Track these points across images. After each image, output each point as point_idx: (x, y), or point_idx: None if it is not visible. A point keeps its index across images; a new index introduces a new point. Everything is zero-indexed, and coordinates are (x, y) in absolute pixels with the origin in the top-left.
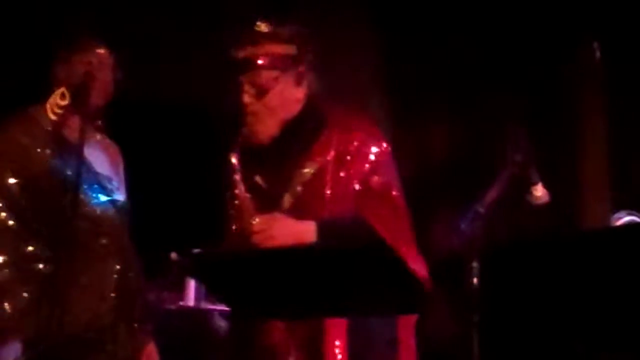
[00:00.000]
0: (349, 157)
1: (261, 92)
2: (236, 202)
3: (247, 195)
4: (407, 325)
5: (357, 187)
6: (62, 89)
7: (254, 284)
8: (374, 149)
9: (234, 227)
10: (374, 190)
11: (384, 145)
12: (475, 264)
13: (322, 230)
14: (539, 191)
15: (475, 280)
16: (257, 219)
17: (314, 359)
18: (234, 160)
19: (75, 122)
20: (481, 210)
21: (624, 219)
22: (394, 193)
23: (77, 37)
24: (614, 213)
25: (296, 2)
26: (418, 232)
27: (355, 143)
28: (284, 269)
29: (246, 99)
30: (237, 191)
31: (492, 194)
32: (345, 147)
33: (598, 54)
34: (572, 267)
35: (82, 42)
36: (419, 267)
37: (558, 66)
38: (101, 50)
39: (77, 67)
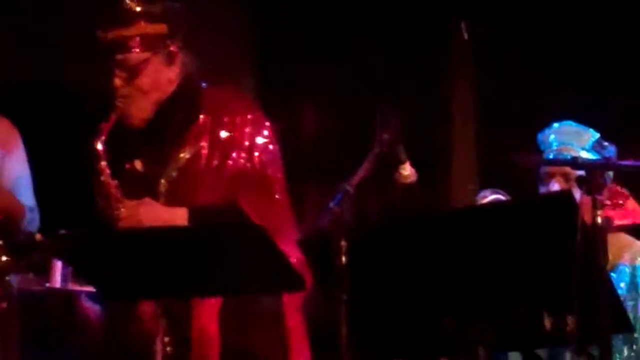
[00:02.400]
0: (225, 142)
1: (132, 75)
2: (103, 189)
3: (114, 182)
4: (292, 303)
5: (234, 170)
6: None
7: (122, 266)
8: (252, 133)
9: (102, 214)
10: (251, 175)
11: (265, 127)
12: (343, 243)
13: (193, 216)
14: (407, 170)
15: (343, 258)
16: (124, 206)
17: (182, 340)
18: (99, 146)
19: None
20: (349, 189)
21: (489, 197)
22: (272, 174)
23: None
24: (479, 191)
25: None
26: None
27: (232, 128)
28: (151, 250)
29: (117, 82)
30: (102, 178)
31: (360, 173)
32: (222, 131)
33: (466, 33)
34: (438, 245)
35: None
36: (293, 249)
37: (429, 45)
38: None
39: None
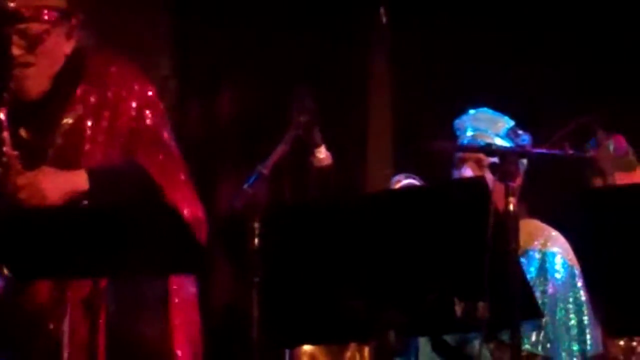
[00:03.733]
0: (111, 105)
1: (32, 45)
2: (3, 159)
3: (15, 152)
4: (181, 283)
5: (124, 132)
6: None
7: (21, 243)
8: (138, 95)
9: (1, 185)
10: (144, 134)
11: (149, 90)
12: (256, 225)
13: (93, 177)
14: (322, 153)
15: (256, 240)
16: (22, 176)
17: (89, 317)
18: (1, 116)
19: None
20: (264, 171)
21: (403, 182)
22: (165, 135)
23: None
24: (393, 176)
25: None
26: (204, 193)
27: (116, 91)
28: (52, 228)
29: (15, 50)
30: (5, 148)
31: (275, 156)
32: (106, 96)
33: (385, 18)
34: (352, 228)
35: None
36: (194, 209)
37: (347, 30)
38: None
39: None
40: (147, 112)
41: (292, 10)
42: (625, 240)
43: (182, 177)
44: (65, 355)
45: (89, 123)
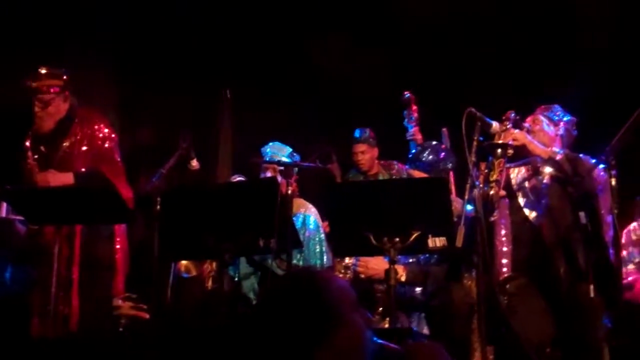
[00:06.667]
0: (88, 136)
1: (45, 106)
2: (28, 165)
3: (35, 162)
4: (119, 227)
5: (95, 152)
6: None
7: (35, 204)
8: (103, 132)
9: (27, 180)
10: (104, 154)
11: (108, 129)
12: (158, 199)
13: (76, 176)
14: (195, 163)
15: (158, 207)
16: (39, 174)
17: (70, 248)
18: (27, 143)
19: None
20: (163, 171)
21: (237, 179)
22: (116, 155)
23: None
24: (232, 175)
25: (61, 57)
26: (133, 182)
27: (92, 129)
28: (54, 198)
29: (36, 109)
30: (29, 160)
31: (169, 163)
32: (86, 131)
33: (229, 95)
34: (210, 203)
35: None
36: (127, 193)
37: (208, 98)
38: None
39: None
40: (107, 142)
41: (179, 87)
42: (347, 208)
43: (122, 177)
44: (55, 265)
45: (77, 146)
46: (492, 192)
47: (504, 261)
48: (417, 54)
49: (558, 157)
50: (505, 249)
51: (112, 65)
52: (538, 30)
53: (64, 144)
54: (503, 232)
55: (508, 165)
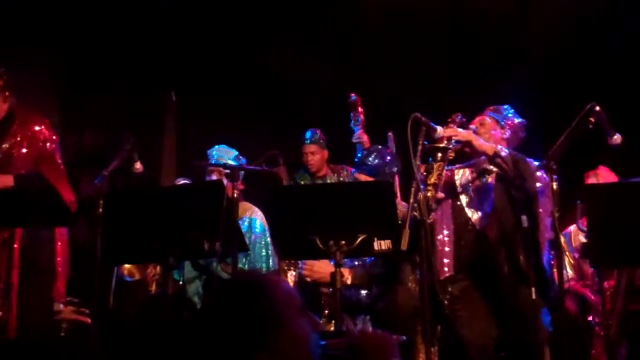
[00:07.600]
0: (28, 138)
1: None
2: None
3: None
4: (60, 230)
5: (35, 154)
6: None
7: None
8: (44, 133)
9: None
10: (45, 155)
11: (49, 130)
12: (101, 202)
13: (16, 178)
14: (139, 165)
15: (100, 210)
16: None
17: (10, 252)
18: None
19: None
20: (106, 174)
21: (181, 182)
22: (57, 157)
23: None
24: (176, 178)
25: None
26: (75, 184)
27: (33, 130)
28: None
29: None
30: None
31: (112, 166)
32: (26, 133)
33: (174, 97)
34: (157, 204)
35: None
36: (69, 195)
37: (154, 101)
38: None
39: None
40: (48, 143)
41: (126, 89)
42: (293, 212)
43: (64, 179)
44: None
45: (17, 147)
46: (428, 194)
47: (446, 261)
48: (365, 57)
49: (503, 154)
50: (447, 249)
51: (54, 65)
52: (485, 32)
53: (4, 145)
54: (445, 232)
55: (452, 167)
